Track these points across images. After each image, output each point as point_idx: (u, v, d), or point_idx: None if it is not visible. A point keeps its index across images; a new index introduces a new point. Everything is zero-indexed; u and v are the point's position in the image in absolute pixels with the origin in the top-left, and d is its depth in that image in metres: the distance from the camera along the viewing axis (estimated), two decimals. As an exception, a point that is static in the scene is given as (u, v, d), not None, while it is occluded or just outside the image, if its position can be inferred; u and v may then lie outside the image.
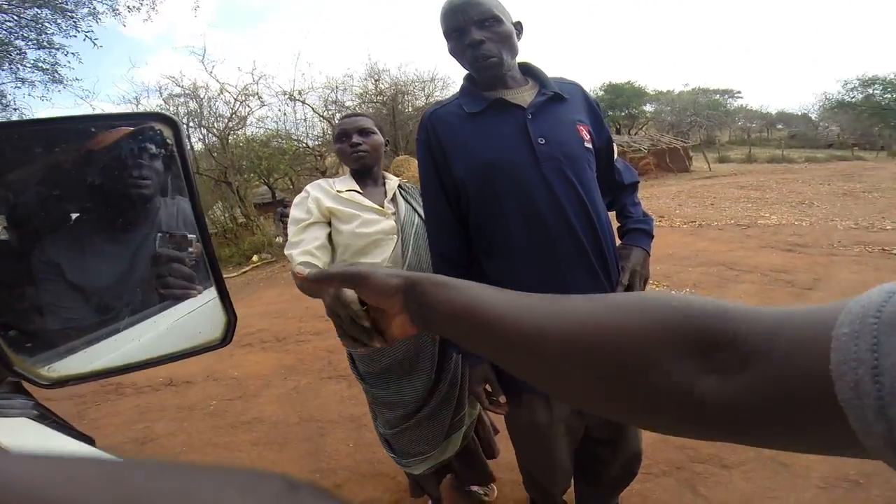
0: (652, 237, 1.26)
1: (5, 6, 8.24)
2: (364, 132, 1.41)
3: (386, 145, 1.50)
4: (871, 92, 30.67)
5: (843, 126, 34.55)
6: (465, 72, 1.19)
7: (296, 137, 14.07)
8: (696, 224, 7.38)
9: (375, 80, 14.99)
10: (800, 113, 42.93)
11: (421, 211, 1.33)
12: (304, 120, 14.61)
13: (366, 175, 1.45)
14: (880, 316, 0.21)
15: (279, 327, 4.54)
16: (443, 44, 1.17)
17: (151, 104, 13.07)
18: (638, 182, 1.35)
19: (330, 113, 14.63)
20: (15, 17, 8.50)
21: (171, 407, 3.14)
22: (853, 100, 31.40)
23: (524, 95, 1.14)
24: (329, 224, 1.35)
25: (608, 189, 1.28)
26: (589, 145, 1.14)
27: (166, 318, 0.43)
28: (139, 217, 0.45)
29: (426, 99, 15.14)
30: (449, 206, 1.17)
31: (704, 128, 34.21)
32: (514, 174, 1.07)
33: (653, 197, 11.11)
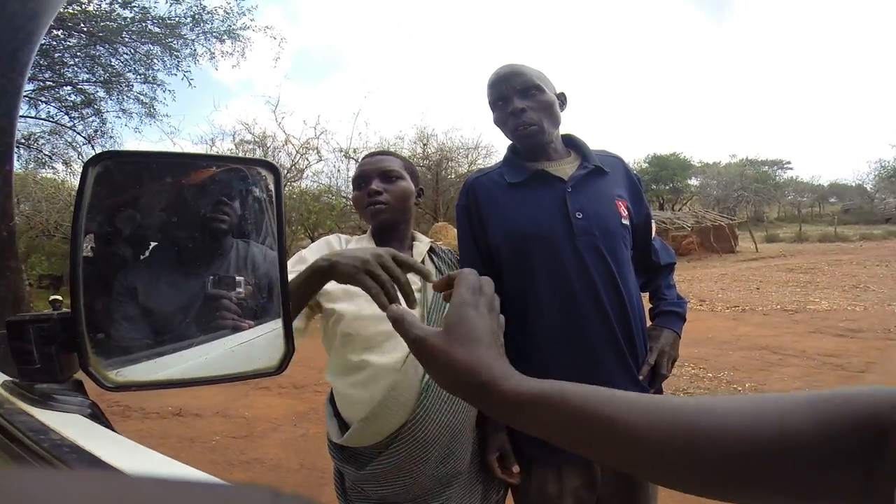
0: (684, 320, 1.24)
1: (127, 40, 9.15)
2: (388, 176, 1.10)
3: (418, 196, 1.18)
4: None
5: None
6: (508, 142, 1.22)
7: (345, 195, 14.74)
8: (740, 309, 7.16)
9: (424, 144, 15.45)
10: (854, 184, 41.04)
11: None
12: (356, 179, 15.29)
13: (388, 234, 1.13)
14: None
15: (300, 375, 4.53)
16: (488, 113, 1.20)
17: (224, 147, 13.82)
18: (674, 263, 1.34)
19: (378, 174, 15.28)
20: (132, 51, 9.44)
21: (172, 436, 3.15)
22: None
23: (565, 168, 1.16)
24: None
25: (644, 269, 1.28)
26: (626, 221, 1.14)
27: (229, 342, 0.47)
28: (214, 253, 0.50)
29: (469, 166, 15.55)
30: (485, 271, 1.19)
31: (752, 203, 33.33)
32: (549, 247, 1.08)
33: (694, 280, 10.85)
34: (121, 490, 0.10)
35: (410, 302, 0.72)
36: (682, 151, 37.86)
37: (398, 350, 0.98)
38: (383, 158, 1.15)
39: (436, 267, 1.14)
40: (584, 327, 1.08)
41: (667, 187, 32.70)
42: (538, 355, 1.11)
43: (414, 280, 0.97)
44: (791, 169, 40.53)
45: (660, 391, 1.20)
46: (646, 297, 1.29)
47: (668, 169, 31.81)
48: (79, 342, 0.37)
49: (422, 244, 1.17)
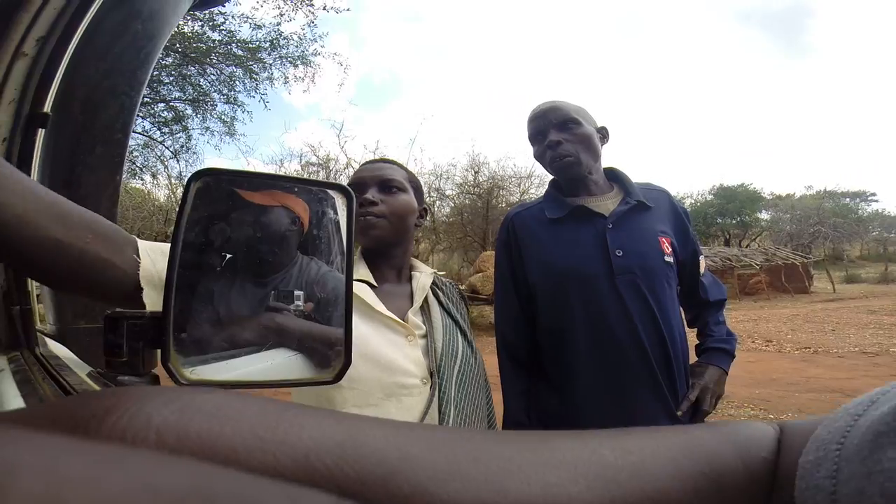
0: (733, 356, 1.21)
1: (215, 61, 10.03)
2: (387, 187, 0.94)
3: (421, 217, 1.02)
4: None
5: None
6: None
7: (398, 220, 15.10)
8: (811, 350, 6.62)
9: (475, 172, 15.60)
10: None
11: (466, 327, 0.98)
12: (409, 204, 15.71)
13: (382, 258, 0.96)
14: (843, 442, 0.21)
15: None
16: None
17: (290, 168, 14.67)
18: (724, 300, 1.30)
19: (431, 199, 15.62)
20: (218, 72, 10.32)
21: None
22: None
23: (607, 203, 1.15)
24: None
25: (692, 305, 1.27)
26: (670, 259, 1.12)
27: (291, 351, 0.50)
28: (284, 267, 0.54)
29: (521, 195, 15.56)
30: (519, 305, 1.18)
31: (830, 239, 30.61)
32: (587, 285, 1.08)
33: (761, 320, 10.15)
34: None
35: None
36: (752, 182, 35.63)
37: (401, 417, 0.78)
38: (385, 166, 0.98)
39: (440, 304, 0.96)
40: (620, 365, 1.07)
41: (734, 221, 30.76)
42: (571, 388, 1.12)
43: (419, 324, 0.89)
44: (877, 201, 36.37)
45: None
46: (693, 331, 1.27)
47: (736, 201, 29.94)
48: (164, 340, 0.40)
49: (424, 275, 0.98)
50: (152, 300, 0.50)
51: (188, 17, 8.93)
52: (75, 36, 0.67)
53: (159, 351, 0.41)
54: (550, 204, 1.19)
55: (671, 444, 0.24)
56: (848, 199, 34.41)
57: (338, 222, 0.52)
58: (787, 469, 0.23)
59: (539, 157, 1.20)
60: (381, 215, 0.92)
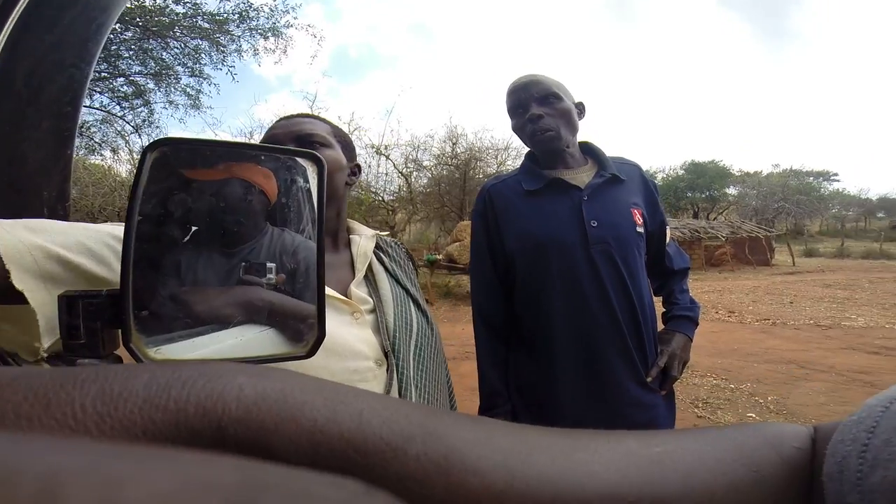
0: (696, 324, 1.26)
1: (178, 34, 9.65)
2: (305, 143, 0.79)
3: (354, 174, 0.90)
4: None
5: None
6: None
7: (374, 190, 14.95)
8: (770, 322, 6.92)
9: (453, 144, 15.61)
10: None
11: (419, 296, 0.86)
12: (385, 174, 15.50)
13: None
14: (889, 406, 0.21)
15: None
16: None
17: (260, 140, 14.48)
18: (688, 268, 1.35)
19: (408, 170, 15.49)
20: (182, 46, 9.95)
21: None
22: None
23: (582, 176, 1.18)
24: None
25: (657, 273, 1.31)
26: (641, 229, 1.17)
27: (262, 325, 0.48)
28: (251, 239, 0.52)
29: (498, 167, 15.57)
30: (496, 275, 1.21)
31: (793, 215, 31.96)
32: (563, 253, 1.11)
33: (725, 291, 10.53)
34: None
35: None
36: (722, 159, 36.69)
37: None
38: (303, 120, 0.83)
39: (386, 270, 0.84)
40: (593, 331, 1.11)
41: (703, 195, 31.74)
42: (549, 356, 1.15)
43: (365, 298, 0.76)
44: (838, 181, 38.67)
45: (671, 394, 1.22)
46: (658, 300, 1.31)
47: (706, 177, 30.85)
48: (123, 319, 0.38)
49: (364, 239, 0.84)
50: (29, 286, 0.43)
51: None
52: (18, 5, 0.62)
53: (120, 331, 0.39)
54: (527, 176, 1.21)
55: (699, 438, 0.24)
56: (811, 178, 35.93)
57: (309, 191, 0.50)
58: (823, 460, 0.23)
59: (518, 129, 1.21)
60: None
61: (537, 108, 1.15)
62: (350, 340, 0.70)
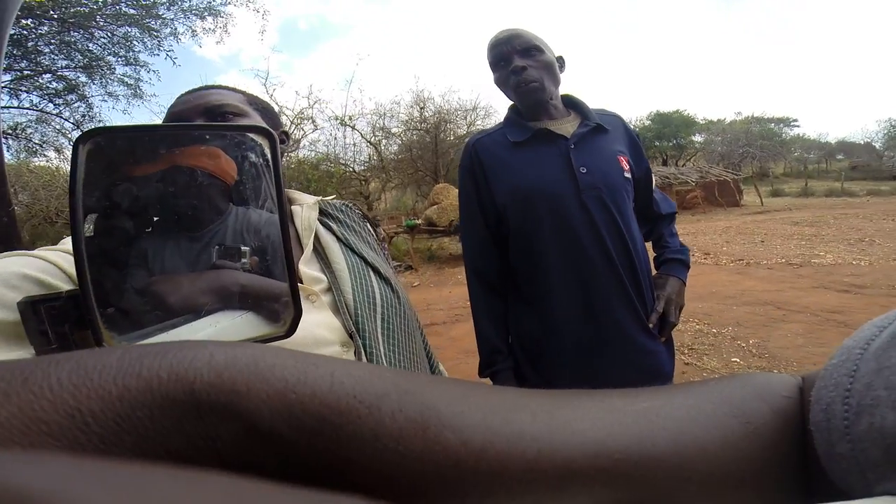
0: (688, 267, 1.29)
1: (102, 24, 9.06)
2: (215, 116, 0.70)
3: (282, 142, 0.80)
4: None
5: None
6: (508, 102, 1.26)
7: (343, 162, 14.63)
8: (744, 262, 7.12)
9: (420, 108, 15.44)
10: (862, 142, 40.37)
11: (381, 262, 0.77)
12: (353, 145, 15.20)
13: None
14: (867, 347, 0.21)
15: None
16: (486, 74, 1.25)
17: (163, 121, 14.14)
18: (675, 213, 1.38)
19: (377, 139, 15.15)
20: (109, 35, 9.35)
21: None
22: None
23: (567, 126, 1.19)
24: None
25: (646, 219, 1.31)
26: (628, 175, 1.18)
27: (238, 310, 0.47)
28: (214, 220, 0.50)
29: (468, 128, 15.46)
30: (487, 230, 1.21)
31: (757, 159, 32.84)
32: (556, 201, 1.12)
33: (699, 233, 10.77)
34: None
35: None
36: (686, 109, 37.33)
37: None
38: (210, 92, 0.73)
39: (337, 239, 0.75)
40: (593, 277, 1.12)
41: (670, 144, 32.45)
42: (548, 306, 1.15)
43: (318, 276, 0.68)
44: (798, 126, 39.53)
45: (670, 339, 1.23)
46: (649, 245, 1.31)
47: (672, 126, 31.51)
48: (90, 318, 0.37)
49: (306, 208, 0.75)
50: None
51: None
52: None
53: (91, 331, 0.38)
54: (512, 128, 1.21)
55: (687, 393, 0.24)
56: (773, 125, 36.67)
57: (265, 165, 0.48)
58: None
59: (501, 82, 1.21)
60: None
61: (520, 60, 1.16)
62: (309, 327, 0.60)
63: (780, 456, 0.22)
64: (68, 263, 0.47)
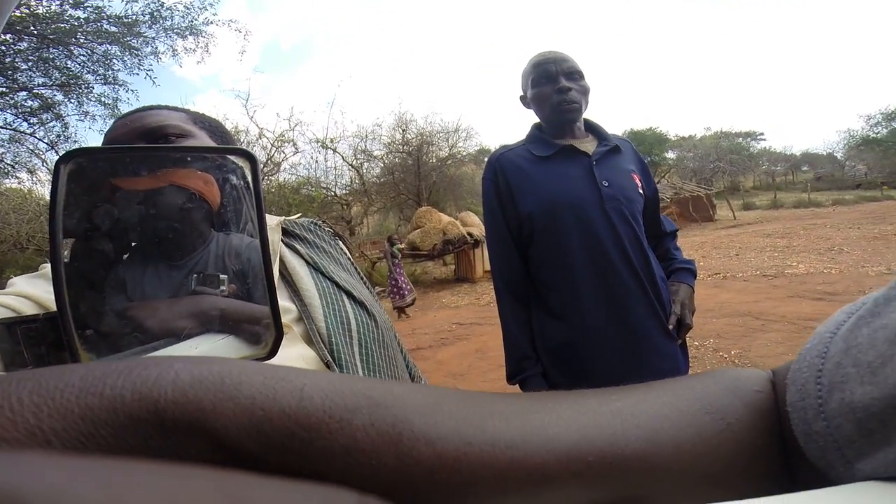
0: (695, 276, 1.37)
1: (82, 41, 8.79)
2: (156, 138, 0.65)
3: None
4: (895, 126, 29.54)
5: (870, 164, 33.66)
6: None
7: (324, 185, 14.60)
8: (721, 276, 7.32)
9: (403, 130, 15.46)
10: (825, 153, 42.33)
11: (355, 283, 0.72)
12: (335, 168, 15.15)
13: None
14: (837, 331, 0.22)
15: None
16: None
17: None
18: (677, 230, 1.48)
19: (358, 161, 15.18)
20: (89, 52, 9.08)
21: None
22: (878, 135, 30.26)
23: (587, 145, 1.30)
24: None
25: (653, 235, 1.40)
26: (641, 192, 1.29)
27: (220, 333, 0.46)
28: (196, 245, 0.49)
29: (450, 150, 15.58)
30: (512, 240, 1.28)
31: (728, 173, 34.02)
32: (582, 212, 1.20)
33: (675, 247, 11.03)
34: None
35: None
36: (658, 126, 38.45)
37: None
38: (147, 113, 0.67)
39: (305, 261, 0.70)
40: (618, 284, 1.19)
41: (645, 161, 33.06)
42: (577, 312, 1.21)
43: (286, 306, 0.63)
44: (764, 140, 41.26)
45: (684, 342, 1.30)
46: None
47: (646, 143, 32.30)
48: (68, 340, 0.37)
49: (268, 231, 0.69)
50: None
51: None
52: None
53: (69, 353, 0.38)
54: (537, 144, 1.30)
55: (659, 390, 0.24)
56: (741, 139, 38.24)
57: (245, 188, 0.48)
58: (780, 399, 0.24)
59: (542, 98, 1.28)
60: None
61: (566, 81, 1.25)
62: (282, 362, 0.49)
63: (755, 449, 0.23)
64: (42, 291, 0.49)
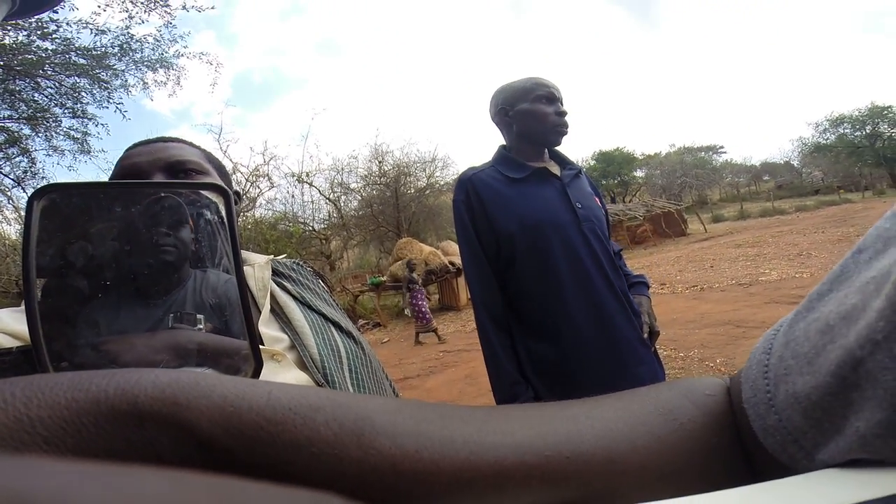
0: (649, 287, 1.44)
1: (50, 73, 8.58)
2: (176, 171, 0.68)
3: (237, 202, 0.70)
4: (842, 131, 30.96)
5: (825, 170, 35.39)
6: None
7: (302, 220, 14.50)
8: (699, 288, 7.46)
9: (379, 162, 15.58)
10: (782, 161, 44.30)
11: (339, 316, 0.77)
12: (312, 202, 15.11)
13: None
14: (780, 328, 0.24)
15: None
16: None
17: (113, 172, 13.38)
18: (622, 250, 1.52)
19: (336, 195, 15.19)
20: (56, 85, 8.85)
21: None
22: (827, 142, 31.62)
23: (553, 168, 1.34)
24: None
25: None
26: (604, 214, 1.36)
27: (199, 367, 0.46)
28: (171, 281, 0.50)
29: (427, 179, 15.74)
30: (489, 263, 1.29)
31: (695, 188, 35.15)
32: (562, 232, 1.24)
33: (653, 265, 11.22)
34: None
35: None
36: (626, 146, 39.71)
37: None
38: (170, 145, 0.71)
39: (294, 297, 0.74)
40: (600, 298, 1.23)
41: (615, 181, 34.15)
42: (563, 329, 1.23)
43: (279, 336, 0.67)
44: (725, 153, 43.13)
45: (656, 350, 1.35)
46: None
47: (615, 164, 33.30)
48: (42, 372, 0.36)
49: (258, 268, 0.72)
50: None
51: (7, 28, 7.53)
52: None
53: None
54: (508, 166, 1.33)
55: (618, 397, 0.25)
56: (703, 153, 39.80)
57: (220, 223, 0.48)
58: (735, 401, 0.25)
59: (539, 114, 1.31)
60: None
61: (563, 107, 1.32)
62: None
63: (710, 448, 0.23)
64: (13, 320, 0.48)
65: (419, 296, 7.92)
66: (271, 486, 0.12)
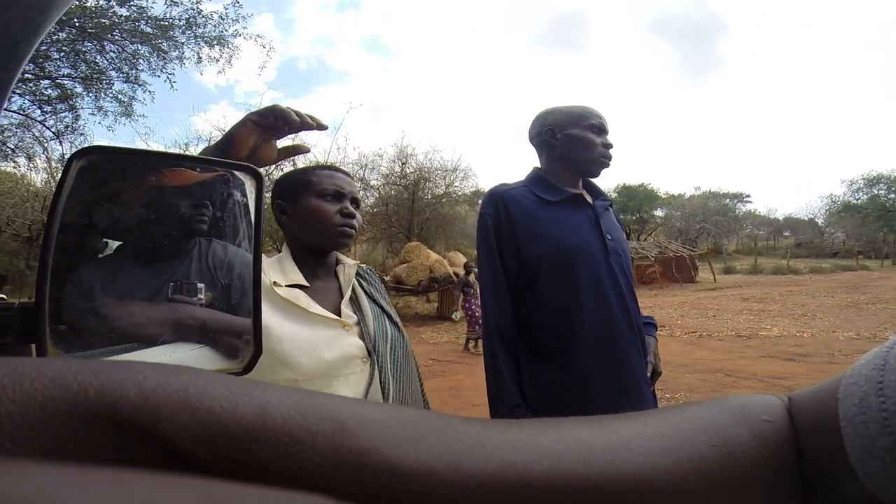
0: (657, 328, 1.43)
1: (117, 38, 8.77)
2: (356, 202, 1.03)
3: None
4: (875, 192, 29.52)
5: (849, 232, 34.36)
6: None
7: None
8: (697, 335, 7.43)
9: (402, 163, 15.48)
10: (806, 218, 42.92)
11: (391, 311, 1.07)
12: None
13: (317, 256, 1.02)
14: (892, 347, 0.21)
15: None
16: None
17: (197, 152, 13.65)
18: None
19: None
20: (119, 49, 9.04)
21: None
22: (858, 201, 30.09)
23: (586, 197, 1.34)
24: None
25: None
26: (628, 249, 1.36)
27: (197, 343, 0.46)
28: (186, 253, 0.50)
29: (446, 188, 15.77)
30: (507, 282, 1.27)
31: (712, 235, 34.65)
32: (591, 261, 1.23)
33: (656, 307, 11.15)
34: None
35: (321, 125, 0.76)
36: (651, 182, 39.08)
37: (345, 392, 0.87)
38: (354, 182, 1.06)
39: (365, 293, 1.05)
40: (618, 333, 1.23)
41: (634, 217, 33.68)
42: (576, 357, 1.22)
43: (352, 315, 0.97)
44: (751, 202, 42.35)
45: (654, 391, 1.36)
46: None
47: (636, 199, 32.70)
48: (39, 332, 0.36)
49: (348, 267, 1.05)
50: None
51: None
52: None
53: (34, 345, 0.37)
54: (543, 188, 1.32)
55: (660, 420, 0.23)
56: (728, 200, 38.89)
57: (246, 205, 0.49)
58: (809, 422, 0.23)
59: (588, 142, 1.30)
60: (356, 229, 1.01)
61: (609, 140, 1.32)
62: (344, 346, 0.91)
63: (762, 482, 0.21)
64: None
65: (473, 301, 7.25)
66: (261, 489, 0.12)
